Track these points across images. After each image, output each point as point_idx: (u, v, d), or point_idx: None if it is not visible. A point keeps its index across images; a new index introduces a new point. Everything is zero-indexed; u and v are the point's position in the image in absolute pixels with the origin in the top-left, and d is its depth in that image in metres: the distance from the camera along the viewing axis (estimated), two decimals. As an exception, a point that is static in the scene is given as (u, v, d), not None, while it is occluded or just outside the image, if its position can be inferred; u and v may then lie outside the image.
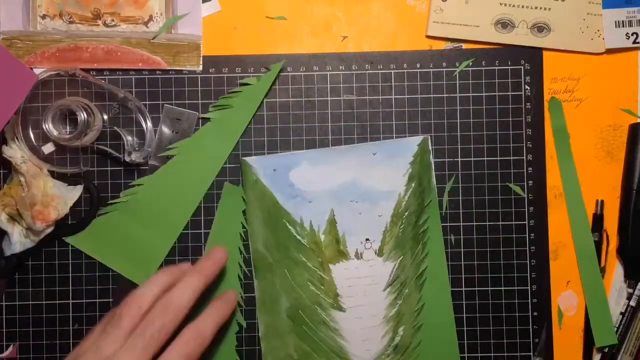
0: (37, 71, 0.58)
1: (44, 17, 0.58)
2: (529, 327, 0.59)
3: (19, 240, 0.55)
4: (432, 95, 0.59)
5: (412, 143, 0.58)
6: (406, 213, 0.57)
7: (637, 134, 0.58)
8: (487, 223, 0.59)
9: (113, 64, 0.58)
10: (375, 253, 0.57)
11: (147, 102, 0.59)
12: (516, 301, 0.59)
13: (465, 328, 0.58)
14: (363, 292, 0.57)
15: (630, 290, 0.58)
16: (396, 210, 0.57)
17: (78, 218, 0.58)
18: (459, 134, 0.59)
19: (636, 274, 0.58)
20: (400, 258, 0.57)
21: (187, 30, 0.58)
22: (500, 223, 0.59)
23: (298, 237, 0.57)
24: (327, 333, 0.57)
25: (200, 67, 0.59)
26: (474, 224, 0.59)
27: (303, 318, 0.57)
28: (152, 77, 0.59)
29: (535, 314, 0.59)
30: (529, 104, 0.59)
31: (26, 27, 0.58)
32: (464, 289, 0.59)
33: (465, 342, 0.58)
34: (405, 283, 0.57)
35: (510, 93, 0.59)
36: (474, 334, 0.58)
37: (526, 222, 0.59)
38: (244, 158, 0.58)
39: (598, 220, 0.58)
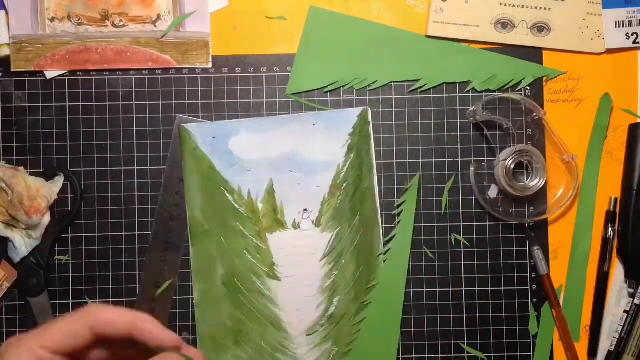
0: (48, 74, 0.58)
1: (52, 20, 0.58)
2: (528, 327, 0.59)
3: (23, 243, 0.56)
4: (432, 95, 0.59)
5: (352, 114, 0.58)
6: (345, 184, 0.57)
7: (637, 134, 0.58)
8: (487, 223, 0.59)
9: (123, 64, 0.58)
10: (313, 223, 0.57)
11: (148, 102, 0.59)
12: (516, 301, 0.59)
13: (465, 328, 0.59)
14: (299, 262, 0.57)
15: (631, 290, 0.58)
16: (335, 181, 0.57)
17: (65, 213, 0.58)
18: (458, 133, 0.59)
19: (637, 274, 0.58)
20: (338, 229, 0.57)
21: (195, 27, 0.58)
22: (500, 223, 0.59)
23: (236, 205, 0.57)
24: (262, 301, 0.57)
25: (210, 64, 0.59)
26: (474, 224, 0.59)
27: (238, 286, 0.57)
28: (152, 76, 0.59)
29: (535, 314, 0.59)
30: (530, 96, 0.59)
31: (35, 30, 0.58)
32: (464, 289, 0.59)
33: (466, 342, 0.58)
34: (341, 254, 0.57)
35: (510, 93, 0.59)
36: (474, 334, 0.59)
37: (526, 222, 0.59)
38: (183, 125, 0.57)
39: (611, 217, 0.58)
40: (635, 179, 0.57)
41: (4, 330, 0.58)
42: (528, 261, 0.59)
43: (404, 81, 0.59)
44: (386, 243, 0.58)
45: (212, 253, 0.57)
